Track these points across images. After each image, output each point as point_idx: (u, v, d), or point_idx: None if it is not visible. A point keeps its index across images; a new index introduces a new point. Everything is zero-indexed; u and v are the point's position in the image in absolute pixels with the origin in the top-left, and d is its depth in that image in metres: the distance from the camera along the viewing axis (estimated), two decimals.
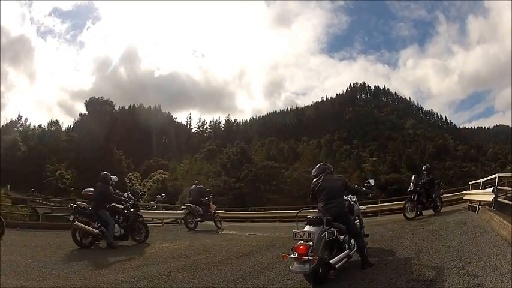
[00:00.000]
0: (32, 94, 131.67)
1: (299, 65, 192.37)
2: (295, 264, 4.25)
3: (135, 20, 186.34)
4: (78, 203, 8.61)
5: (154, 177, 56.68)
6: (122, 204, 8.75)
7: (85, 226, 7.92)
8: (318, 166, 5.57)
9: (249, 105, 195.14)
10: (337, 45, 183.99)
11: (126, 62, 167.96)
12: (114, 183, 8.88)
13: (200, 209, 12.11)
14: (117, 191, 9.08)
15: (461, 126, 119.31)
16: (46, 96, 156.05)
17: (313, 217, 4.76)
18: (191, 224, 11.89)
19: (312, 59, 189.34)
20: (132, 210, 8.93)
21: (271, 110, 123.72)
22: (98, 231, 8.00)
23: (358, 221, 6.21)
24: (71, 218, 8.05)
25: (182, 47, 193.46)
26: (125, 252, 7.63)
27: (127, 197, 9.05)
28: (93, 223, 8.03)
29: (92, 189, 8.77)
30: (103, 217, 8.11)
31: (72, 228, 7.92)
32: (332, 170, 5.57)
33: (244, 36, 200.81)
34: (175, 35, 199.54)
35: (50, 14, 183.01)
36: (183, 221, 12.50)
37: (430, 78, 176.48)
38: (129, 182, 54.99)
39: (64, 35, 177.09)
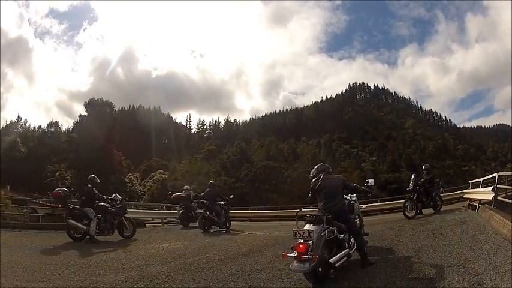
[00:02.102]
0: (31, 95, 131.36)
1: (298, 64, 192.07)
2: (295, 263, 4.26)
3: (132, 20, 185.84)
4: (204, 201, 11.96)
5: (154, 178, 56.68)
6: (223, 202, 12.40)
7: (212, 216, 11.51)
8: (316, 167, 5.58)
9: (247, 105, 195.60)
10: (336, 44, 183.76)
11: (124, 62, 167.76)
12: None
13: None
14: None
15: (461, 126, 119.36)
16: (44, 97, 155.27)
17: (313, 216, 4.76)
18: None
19: (310, 58, 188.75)
20: (226, 205, 12.47)
21: (270, 110, 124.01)
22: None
23: (358, 220, 6.21)
24: (201, 211, 11.85)
25: (179, 47, 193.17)
26: (125, 253, 7.65)
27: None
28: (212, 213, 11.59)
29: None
30: (217, 209, 11.71)
31: (202, 218, 11.52)
32: (331, 170, 5.58)
33: (241, 36, 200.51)
34: (172, 35, 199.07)
35: (47, 15, 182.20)
36: None
37: (430, 77, 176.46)
38: (129, 183, 54.97)
39: (61, 36, 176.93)
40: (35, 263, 6.27)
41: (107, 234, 9.52)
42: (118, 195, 10.41)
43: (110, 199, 9.89)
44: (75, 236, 9.02)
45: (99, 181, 9.89)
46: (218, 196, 12.35)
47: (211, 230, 11.53)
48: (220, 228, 11.64)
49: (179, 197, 14.56)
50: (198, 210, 13.37)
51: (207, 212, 11.51)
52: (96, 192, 9.53)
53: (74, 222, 8.97)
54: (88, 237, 9.01)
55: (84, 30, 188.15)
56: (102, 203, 9.59)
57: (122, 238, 9.70)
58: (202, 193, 12.71)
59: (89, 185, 9.52)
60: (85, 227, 9.00)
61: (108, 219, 9.59)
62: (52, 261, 6.42)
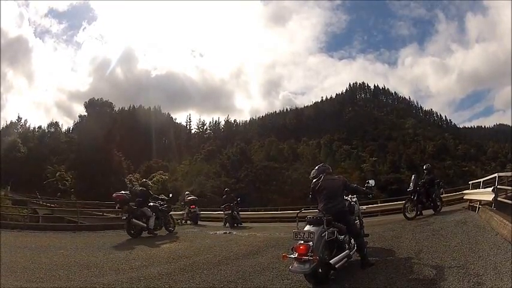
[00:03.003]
0: (31, 95, 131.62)
1: (298, 64, 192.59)
2: (295, 264, 4.26)
3: (131, 20, 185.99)
4: (231, 204, 14.63)
5: (155, 178, 56.60)
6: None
7: (236, 215, 14.61)
8: (317, 167, 5.57)
9: (247, 105, 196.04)
10: (336, 44, 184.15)
11: (123, 62, 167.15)
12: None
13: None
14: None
15: (461, 126, 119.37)
16: (44, 97, 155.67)
17: (313, 217, 4.77)
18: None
19: (310, 58, 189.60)
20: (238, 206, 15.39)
21: (270, 110, 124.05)
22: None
23: (358, 221, 6.21)
24: (229, 212, 14.37)
25: (178, 47, 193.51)
26: (125, 253, 7.65)
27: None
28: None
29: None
30: (237, 210, 14.82)
31: (231, 217, 14.22)
32: (331, 170, 5.57)
33: (241, 36, 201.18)
34: (172, 35, 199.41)
35: (46, 15, 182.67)
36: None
37: (430, 77, 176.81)
38: (129, 183, 54.91)
39: (61, 35, 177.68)
40: (35, 263, 6.27)
41: (158, 229, 10.84)
42: (164, 196, 11.98)
43: (163, 199, 11.55)
44: (133, 233, 10.27)
45: (150, 183, 11.83)
46: (233, 200, 15.10)
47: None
48: (239, 224, 14.57)
49: (193, 200, 17.02)
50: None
51: (234, 212, 14.48)
52: (152, 193, 11.33)
53: (136, 221, 10.29)
54: (145, 232, 10.39)
55: (83, 30, 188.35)
56: (153, 203, 10.96)
57: (168, 232, 11.14)
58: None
59: (143, 188, 11.16)
60: (145, 225, 10.34)
61: (160, 217, 10.95)
62: (52, 262, 6.43)
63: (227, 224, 14.27)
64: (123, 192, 10.98)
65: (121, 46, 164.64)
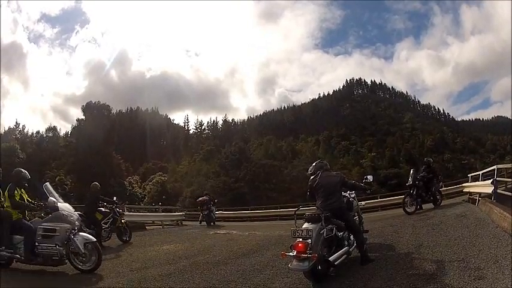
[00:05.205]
0: (27, 100, 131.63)
1: (293, 61, 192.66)
2: (294, 262, 4.25)
3: (124, 22, 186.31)
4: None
5: (154, 180, 56.60)
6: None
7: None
8: (314, 164, 5.54)
9: (243, 103, 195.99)
10: (331, 40, 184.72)
11: (118, 64, 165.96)
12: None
13: None
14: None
15: (459, 119, 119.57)
16: (40, 102, 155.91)
17: (311, 214, 4.74)
18: None
19: (306, 54, 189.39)
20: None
21: (266, 107, 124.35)
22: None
23: (357, 217, 6.18)
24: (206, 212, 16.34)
25: (173, 47, 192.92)
26: (125, 255, 7.63)
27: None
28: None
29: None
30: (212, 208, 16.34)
31: (207, 217, 15.70)
32: (329, 167, 5.54)
33: (235, 34, 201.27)
34: (165, 36, 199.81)
35: (39, 20, 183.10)
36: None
37: (427, 71, 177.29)
38: (128, 186, 54.86)
39: (55, 40, 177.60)
40: (36, 268, 6.24)
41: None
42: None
43: (215, 203, 16.52)
44: (209, 222, 15.14)
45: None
46: (211, 201, 16.86)
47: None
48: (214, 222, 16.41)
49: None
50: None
51: (211, 212, 16.34)
52: (212, 198, 16.43)
53: (212, 215, 15.51)
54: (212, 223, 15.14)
55: (76, 33, 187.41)
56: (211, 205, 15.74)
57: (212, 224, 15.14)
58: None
59: (209, 195, 16.66)
60: (214, 217, 15.67)
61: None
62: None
63: (203, 222, 15.87)
64: (204, 197, 16.20)
65: (115, 48, 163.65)
